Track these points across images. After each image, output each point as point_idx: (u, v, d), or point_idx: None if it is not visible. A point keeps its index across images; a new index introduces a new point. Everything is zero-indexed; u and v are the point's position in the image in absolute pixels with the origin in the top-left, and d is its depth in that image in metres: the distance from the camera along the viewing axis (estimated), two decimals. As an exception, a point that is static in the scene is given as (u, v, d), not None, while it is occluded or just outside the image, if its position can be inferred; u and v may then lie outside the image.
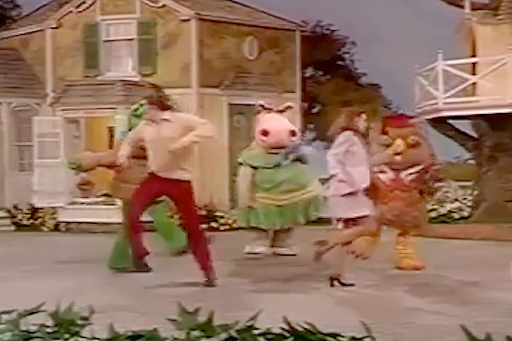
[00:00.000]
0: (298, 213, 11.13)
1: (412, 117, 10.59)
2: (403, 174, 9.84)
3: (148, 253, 8.75)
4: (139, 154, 9.00)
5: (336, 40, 31.08)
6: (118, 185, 10.10)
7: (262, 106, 11.39)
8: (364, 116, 8.97)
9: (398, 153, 9.88)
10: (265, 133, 11.08)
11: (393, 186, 9.80)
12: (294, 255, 11.50)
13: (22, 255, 13.09)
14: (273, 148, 11.15)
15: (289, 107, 11.48)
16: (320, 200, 11.22)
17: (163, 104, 8.71)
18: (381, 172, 9.90)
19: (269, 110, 11.34)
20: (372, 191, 9.02)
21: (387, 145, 9.96)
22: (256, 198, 10.92)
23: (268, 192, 10.99)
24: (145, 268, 9.79)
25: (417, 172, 9.87)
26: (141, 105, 9.80)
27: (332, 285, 8.58)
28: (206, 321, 3.00)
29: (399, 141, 9.90)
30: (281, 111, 11.37)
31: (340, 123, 8.84)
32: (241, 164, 11.43)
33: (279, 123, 11.17)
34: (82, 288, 8.31)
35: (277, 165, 11.04)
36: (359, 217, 8.59)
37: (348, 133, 8.67)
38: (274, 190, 10.96)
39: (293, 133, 11.20)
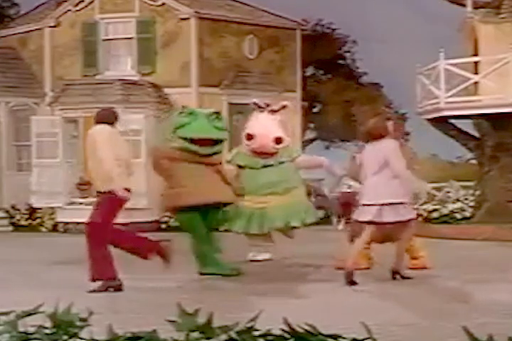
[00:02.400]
0: (277, 218, 10.63)
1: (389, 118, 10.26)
2: None
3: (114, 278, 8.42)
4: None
5: (336, 39, 31.02)
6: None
7: (255, 104, 11.11)
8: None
9: None
10: (250, 137, 10.82)
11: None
12: (268, 260, 11.16)
13: (20, 256, 13.00)
14: (256, 153, 10.83)
15: (284, 107, 11.17)
16: (306, 206, 10.86)
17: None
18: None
19: (263, 109, 11.04)
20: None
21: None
22: (239, 200, 10.39)
23: (250, 194, 10.59)
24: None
25: None
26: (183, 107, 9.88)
27: (394, 278, 8.90)
28: (206, 322, 2.99)
29: None
30: (275, 111, 11.04)
31: (380, 128, 8.85)
32: (229, 162, 11.10)
33: (266, 127, 10.86)
34: (80, 289, 8.17)
35: (264, 167, 10.68)
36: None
37: (393, 140, 8.84)
38: (257, 192, 10.56)
39: (278, 140, 10.85)
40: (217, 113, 9.92)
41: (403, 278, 8.95)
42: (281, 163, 10.73)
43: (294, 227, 10.76)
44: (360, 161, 8.87)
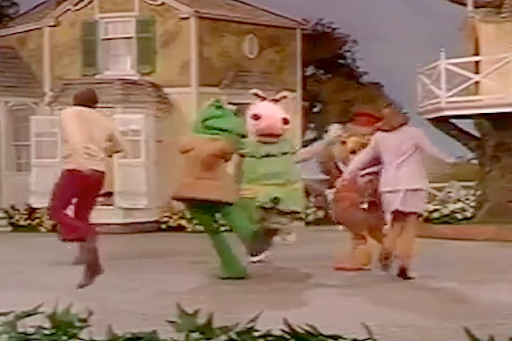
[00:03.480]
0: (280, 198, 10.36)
1: (378, 118, 10.21)
2: (358, 174, 9.55)
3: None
4: None
5: (337, 39, 30.98)
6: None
7: (255, 94, 10.97)
8: None
9: (354, 152, 9.59)
10: (256, 117, 10.49)
11: (346, 186, 9.54)
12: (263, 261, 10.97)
13: (19, 256, 12.96)
14: (264, 135, 10.48)
15: (284, 97, 11.08)
16: (300, 195, 10.65)
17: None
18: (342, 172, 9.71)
19: (264, 98, 10.94)
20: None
21: (343, 142, 9.72)
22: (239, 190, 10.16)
23: (250, 184, 10.33)
24: None
25: (371, 173, 9.53)
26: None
27: (403, 277, 8.77)
28: (206, 323, 2.99)
29: (353, 139, 9.63)
30: (276, 101, 10.97)
31: (399, 117, 9.26)
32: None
33: (272, 109, 10.75)
34: (79, 290, 8.15)
35: (265, 156, 10.37)
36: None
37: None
38: (257, 181, 10.31)
39: (285, 120, 10.72)
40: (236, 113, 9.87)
41: (405, 278, 8.82)
42: (285, 153, 10.52)
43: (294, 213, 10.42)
44: (379, 149, 9.02)
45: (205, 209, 9.32)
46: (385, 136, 9.03)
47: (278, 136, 10.43)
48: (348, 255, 9.80)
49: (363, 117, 10.09)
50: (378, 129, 9.17)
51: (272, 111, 10.57)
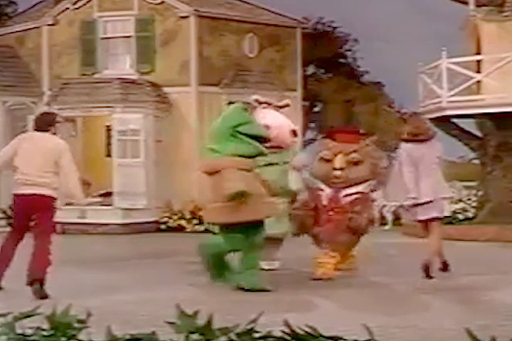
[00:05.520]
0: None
1: (361, 133, 10.09)
2: (342, 194, 9.41)
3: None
4: None
5: (337, 38, 30.90)
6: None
7: (257, 100, 10.69)
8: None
9: (340, 169, 9.42)
10: (265, 127, 10.14)
11: (329, 207, 9.38)
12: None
13: (17, 256, 12.81)
14: (272, 147, 10.14)
15: (288, 105, 10.88)
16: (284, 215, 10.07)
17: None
18: (320, 190, 9.51)
19: (267, 105, 10.64)
20: (311, 211, 9.34)
21: (328, 161, 9.50)
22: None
23: None
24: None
25: (356, 193, 9.41)
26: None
27: (427, 271, 9.23)
28: (206, 324, 2.99)
29: (339, 157, 9.46)
30: (280, 107, 10.74)
31: (428, 129, 9.96)
32: None
33: (280, 120, 10.44)
34: (78, 291, 8.17)
35: (267, 165, 10.01)
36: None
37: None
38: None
39: (294, 132, 10.51)
40: None
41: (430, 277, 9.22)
42: (286, 162, 10.29)
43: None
44: (405, 160, 9.50)
45: (242, 228, 8.49)
46: (415, 148, 9.52)
47: (286, 147, 10.23)
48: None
49: (348, 135, 9.89)
50: (405, 140, 9.65)
51: (281, 122, 10.29)
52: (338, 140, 9.64)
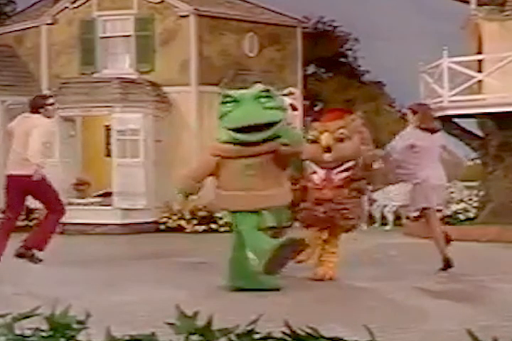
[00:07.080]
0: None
1: (346, 110, 9.93)
2: (334, 172, 9.28)
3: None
4: None
5: (338, 37, 30.88)
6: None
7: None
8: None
9: (328, 151, 9.26)
10: None
11: (322, 185, 9.26)
12: None
13: (16, 260, 12.79)
14: None
15: (292, 93, 10.78)
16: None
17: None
18: (314, 173, 9.39)
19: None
20: (301, 192, 9.16)
21: (314, 141, 9.33)
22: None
23: None
24: None
25: (348, 169, 9.27)
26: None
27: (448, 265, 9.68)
28: (205, 325, 2.98)
29: (326, 135, 9.29)
30: (283, 96, 10.65)
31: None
32: None
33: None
34: (77, 291, 8.16)
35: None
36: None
37: None
38: None
39: (293, 107, 10.27)
40: (267, 90, 8.45)
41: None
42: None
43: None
44: (418, 148, 9.89)
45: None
46: (426, 136, 9.97)
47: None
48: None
49: (332, 113, 9.77)
50: (419, 127, 10.06)
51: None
52: (324, 120, 9.52)
